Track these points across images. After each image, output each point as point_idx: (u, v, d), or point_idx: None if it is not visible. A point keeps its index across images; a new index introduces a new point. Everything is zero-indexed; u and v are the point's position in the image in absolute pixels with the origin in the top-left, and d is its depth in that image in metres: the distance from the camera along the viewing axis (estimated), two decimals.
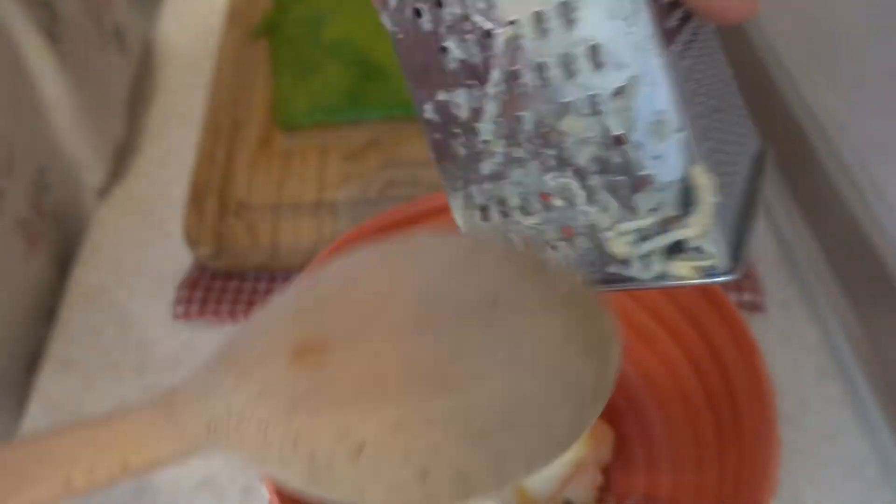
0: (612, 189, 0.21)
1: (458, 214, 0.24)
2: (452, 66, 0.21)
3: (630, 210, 0.21)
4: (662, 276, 0.21)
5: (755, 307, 0.42)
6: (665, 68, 0.19)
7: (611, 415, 0.36)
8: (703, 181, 0.19)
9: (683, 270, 0.21)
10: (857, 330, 0.42)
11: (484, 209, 0.24)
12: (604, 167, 0.21)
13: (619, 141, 0.20)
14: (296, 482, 0.18)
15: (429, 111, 0.22)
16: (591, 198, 0.21)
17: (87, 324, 0.44)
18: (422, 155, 0.47)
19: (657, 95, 0.19)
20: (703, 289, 0.33)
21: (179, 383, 0.20)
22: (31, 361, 0.44)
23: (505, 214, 0.23)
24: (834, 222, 0.44)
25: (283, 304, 0.21)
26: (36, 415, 0.41)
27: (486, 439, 0.18)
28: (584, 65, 0.19)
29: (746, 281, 0.43)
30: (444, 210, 0.35)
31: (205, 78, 0.54)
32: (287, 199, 0.45)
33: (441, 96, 0.22)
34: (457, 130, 0.22)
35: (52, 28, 0.45)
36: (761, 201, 0.22)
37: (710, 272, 0.21)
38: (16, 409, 0.42)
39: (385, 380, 0.18)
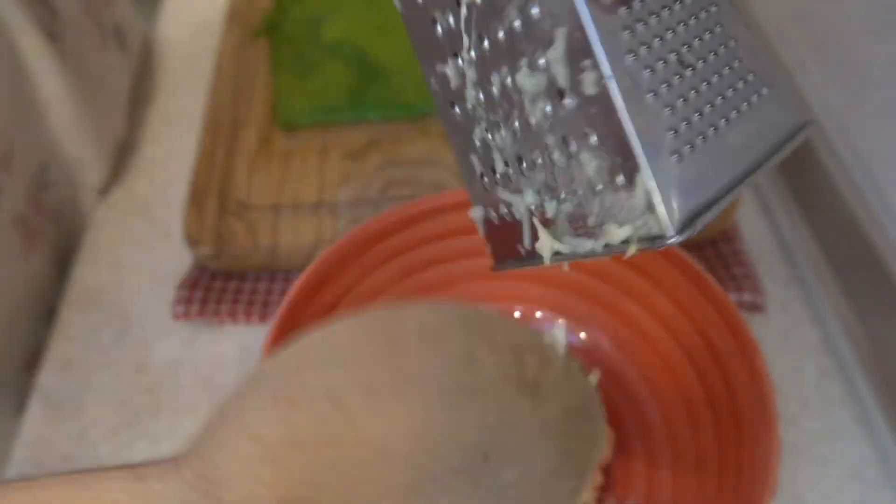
0: (564, 147, 0.21)
1: (468, 187, 0.24)
2: (441, 36, 0.22)
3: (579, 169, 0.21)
4: (608, 244, 0.21)
5: (755, 307, 0.42)
6: (588, 15, 0.19)
7: (611, 415, 0.36)
8: (635, 143, 0.19)
9: (624, 233, 0.20)
10: (857, 330, 0.42)
11: (482, 177, 0.24)
12: (555, 123, 0.20)
13: (561, 94, 0.20)
14: None
15: (433, 84, 0.24)
16: (552, 158, 0.21)
17: (87, 324, 0.44)
18: (422, 155, 0.47)
19: (585, 44, 0.19)
20: (703, 289, 0.33)
21: (154, 467, 0.19)
22: (29, 360, 0.44)
23: (495, 182, 0.23)
24: (834, 222, 0.44)
25: (258, 427, 0.19)
26: (36, 415, 0.41)
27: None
28: (520, 20, 0.20)
29: (746, 281, 0.43)
30: (444, 210, 0.35)
31: (205, 78, 0.54)
32: (287, 199, 0.45)
33: (438, 68, 0.23)
34: (453, 100, 0.23)
35: (51, 27, 0.45)
36: (759, 174, 0.22)
37: (651, 238, 0.20)
38: (15, 408, 0.42)
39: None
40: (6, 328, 0.43)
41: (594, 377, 0.24)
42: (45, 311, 0.46)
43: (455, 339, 0.21)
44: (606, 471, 0.35)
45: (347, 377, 0.19)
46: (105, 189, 0.51)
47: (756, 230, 0.47)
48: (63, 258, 0.48)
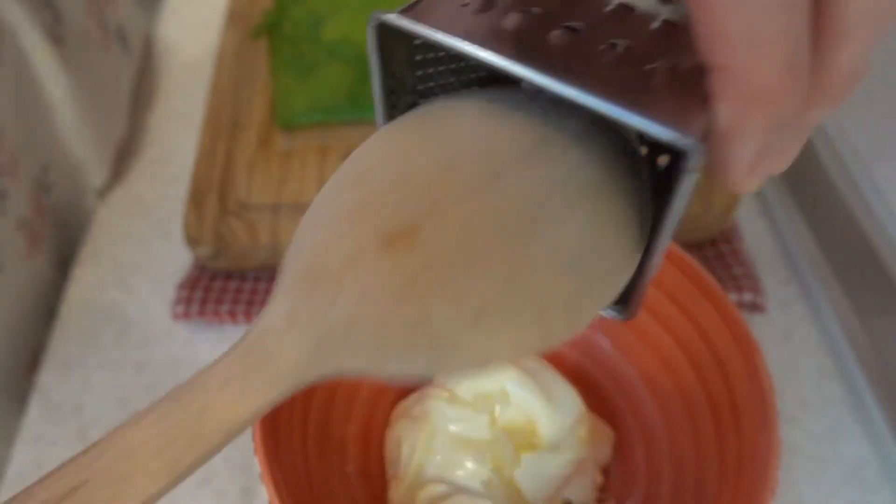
0: None
1: None
2: None
3: None
4: None
5: (755, 307, 0.42)
6: None
7: (611, 415, 0.36)
8: None
9: None
10: (857, 330, 0.42)
11: None
12: None
13: None
14: (421, 370, 0.18)
15: None
16: None
17: (87, 324, 0.44)
18: None
19: None
20: (703, 289, 0.33)
21: (255, 326, 0.19)
22: (32, 361, 0.44)
23: None
24: (834, 222, 0.44)
25: (336, 205, 0.20)
26: (36, 415, 0.41)
27: (579, 268, 0.19)
28: None
29: (746, 281, 0.43)
30: None
31: (205, 78, 0.54)
32: (287, 199, 0.45)
33: None
34: None
35: (56, 29, 0.45)
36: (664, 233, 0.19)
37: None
38: (19, 410, 0.42)
39: (481, 239, 0.18)
40: (11, 332, 0.43)
41: None
42: (46, 312, 0.46)
43: (471, 98, 0.22)
44: (606, 471, 0.35)
45: (395, 142, 0.21)
46: (106, 190, 0.51)
47: (756, 230, 0.47)
48: (64, 260, 0.48)
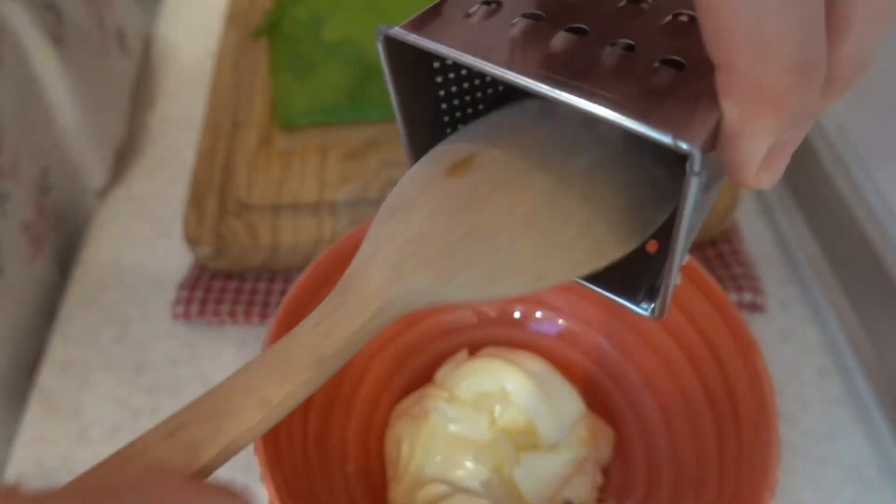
0: None
1: None
2: None
3: None
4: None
5: (755, 307, 0.42)
6: None
7: (611, 415, 0.36)
8: None
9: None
10: (857, 330, 0.42)
11: None
12: None
13: None
14: (485, 280, 0.20)
15: None
16: None
17: (87, 324, 0.44)
18: None
19: None
20: (703, 289, 0.33)
21: (347, 270, 0.21)
22: (34, 363, 0.44)
23: None
24: (834, 222, 0.44)
25: (417, 165, 0.23)
26: (36, 415, 0.41)
27: (621, 190, 0.21)
28: None
29: (746, 281, 0.43)
30: None
31: (205, 78, 0.54)
32: (287, 199, 0.45)
33: None
34: None
35: (57, 31, 0.45)
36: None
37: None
38: (19, 410, 0.42)
39: (526, 164, 0.21)
40: (12, 333, 0.43)
41: None
42: (47, 313, 0.46)
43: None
44: (606, 471, 0.35)
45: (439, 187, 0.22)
46: (105, 191, 0.51)
47: (756, 230, 0.47)
48: (65, 262, 0.48)
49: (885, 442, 0.38)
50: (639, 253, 0.22)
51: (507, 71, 0.18)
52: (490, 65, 0.19)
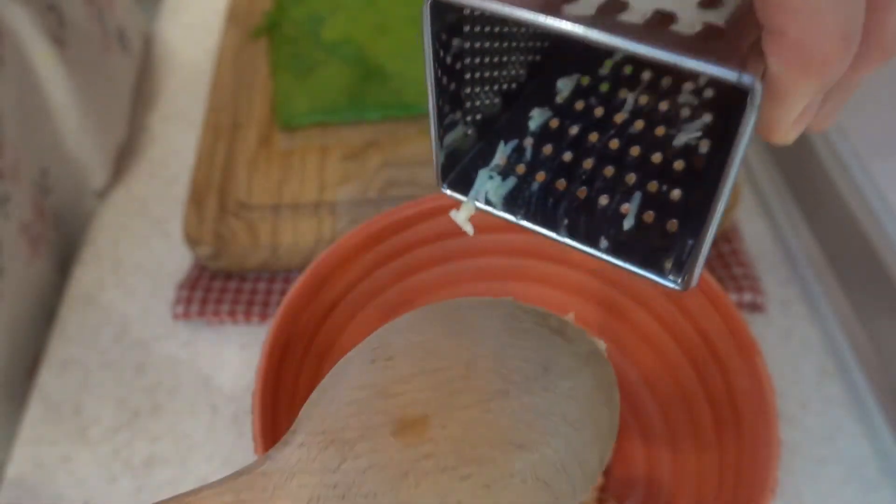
0: None
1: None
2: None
3: None
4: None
5: (755, 307, 0.42)
6: None
7: None
8: None
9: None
10: (857, 330, 0.42)
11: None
12: None
13: None
14: None
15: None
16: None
17: (87, 324, 0.44)
18: (422, 155, 0.47)
19: None
20: (703, 289, 0.33)
21: (260, 464, 0.21)
22: (33, 363, 0.44)
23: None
24: (834, 222, 0.44)
25: (364, 377, 0.23)
26: (36, 415, 0.41)
27: (550, 485, 0.22)
28: None
29: (746, 281, 0.43)
30: (443, 210, 0.35)
31: (205, 78, 0.54)
32: (287, 199, 0.45)
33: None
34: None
35: (58, 33, 0.45)
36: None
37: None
38: (19, 411, 0.42)
39: (477, 445, 0.21)
40: (12, 334, 0.43)
41: (602, 344, 0.27)
42: (47, 314, 0.46)
43: (496, 305, 0.26)
44: (606, 471, 0.35)
45: (427, 333, 0.24)
46: (105, 191, 0.51)
47: (756, 230, 0.47)
48: (65, 263, 0.48)
49: (885, 442, 0.38)
50: (659, 231, 0.23)
51: (552, 19, 0.19)
52: (539, 15, 0.19)
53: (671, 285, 0.22)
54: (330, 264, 0.33)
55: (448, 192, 0.24)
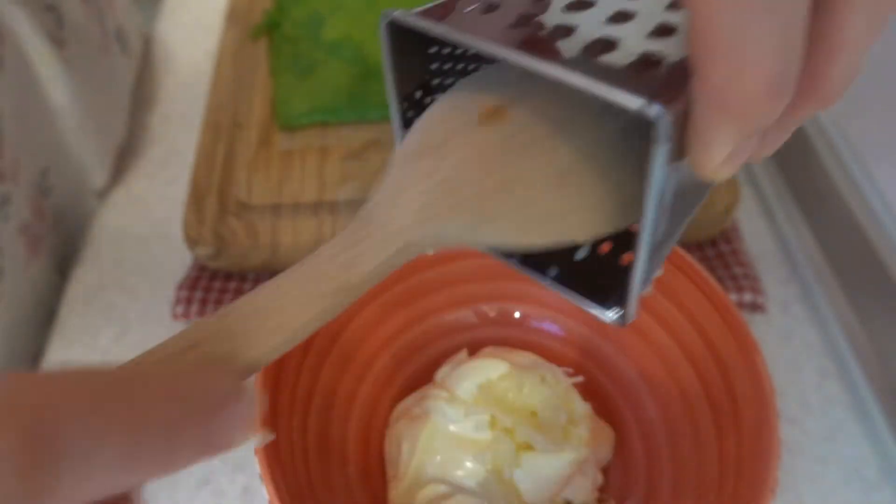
0: None
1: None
2: None
3: None
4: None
5: (756, 307, 0.42)
6: None
7: (611, 415, 0.36)
8: None
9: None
10: (857, 330, 0.42)
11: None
12: None
13: None
14: (512, 232, 0.20)
15: None
16: None
17: (87, 324, 0.44)
18: None
19: None
20: (703, 289, 0.33)
21: (367, 203, 0.21)
22: (32, 366, 0.44)
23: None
24: (834, 222, 0.44)
25: (442, 104, 0.23)
26: None
27: (627, 172, 0.21)
28: None
29: (746, 281, 0.43)
30: None
31: (205, 78, 0.54)
32: (287, 199, 0.45)
33: None
34: None
35: (57, 33, 0.45)
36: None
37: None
38: None
39: (557, 122, 0.21)
40: (10, 336, 0.43)
41: None
42: (46, 316, 0.46)
43: None
44: (606, 471, 0.35)
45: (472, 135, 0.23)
46: (105, 191, 0.51)
47: (756, 230, 0.47)
48: (64, 263, 0.48)
49: (885, 442, 0.38)
50: (611, 265, 0.23)
51: (482, 42, 0.19)
52: (470, 37, 0.19)
53: (608, 320, 0.22)
54: None
55: None
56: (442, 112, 0.22)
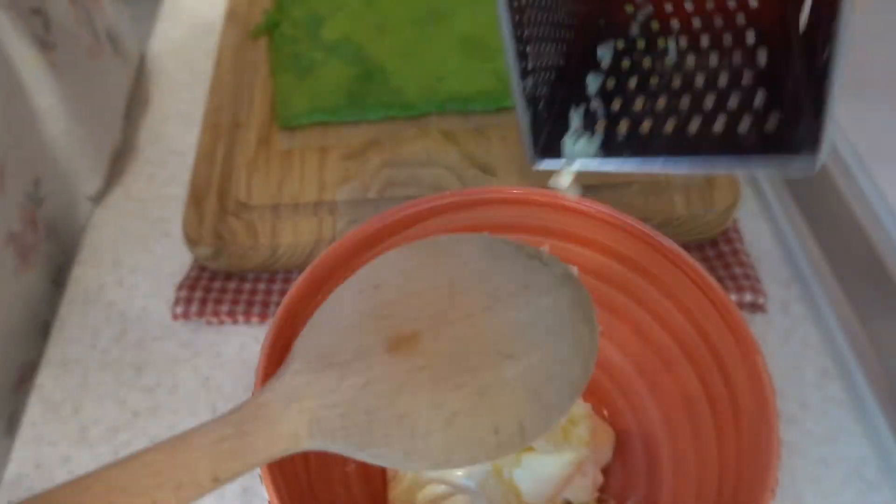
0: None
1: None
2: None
3: None
4: None
5: (755, 307, 0.42)
6: None
7: (611, 414, 0.36)
8: None
9: None
10: (857, 330, 0.42)
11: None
12: None
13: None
14: (396, 458, 0.21)
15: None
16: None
17: (87, 324, 0.44)
18: (422, 155, 0.47)
19: None
20: (703, 289, 0.33)
21: (259, 395, 0.21)
22: (21, 377, 0.43)
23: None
24: (834, 222, 0.44)
25: (353, 306, 0.24)
26: (36, 415, 0.41)
27: (538, 394, 0.23)
28: None
29: (747, 281, 0.43)
30: (443, 210, 0.35)
31: (204, 78, 0.54)
32: (287, 199, 0.45)
33: None
34: None
35: (44, 36, 0.44)
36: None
37: None
38: (5, 429, 0.42)
39: (467, 356, 0.23)
40: (0, 347, 0.42)
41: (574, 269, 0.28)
42: (39, 326, 0.45)
43: (473, 236, 0.27)
44: (606, 471, 0.35)
45: (409, 262, 0.25)
46: (102, 195, 0.51)
47: (756, 230, 0.47)
48: (59, 272, 0.48)
49: (885, 442, 0.38)
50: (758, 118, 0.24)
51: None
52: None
53: (804, 169, 0.23)
54: (330, 264, 0.33)
55: (544, 164, 0.26)
56: (354, 323, 0.23)
